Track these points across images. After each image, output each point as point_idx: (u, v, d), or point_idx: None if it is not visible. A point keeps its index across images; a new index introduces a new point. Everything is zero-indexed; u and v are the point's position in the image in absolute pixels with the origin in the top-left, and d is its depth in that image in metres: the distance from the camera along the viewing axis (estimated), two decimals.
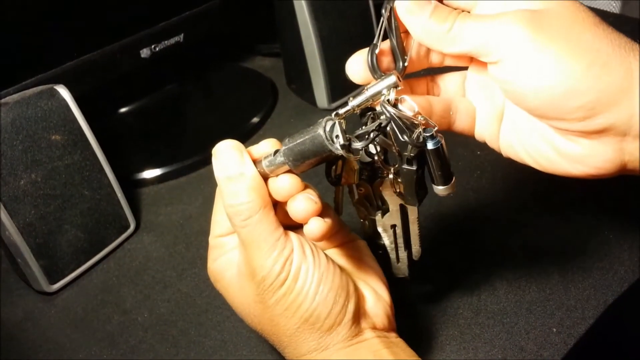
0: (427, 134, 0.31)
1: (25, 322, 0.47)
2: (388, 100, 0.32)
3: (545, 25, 0.28)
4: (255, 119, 0.67)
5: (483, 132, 0.35)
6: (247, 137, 0.66)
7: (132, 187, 0.59)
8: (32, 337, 0.45)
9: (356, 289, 0.35)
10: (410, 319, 0.43)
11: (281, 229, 0.33)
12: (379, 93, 0.32)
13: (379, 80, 0.32)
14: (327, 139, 0.31)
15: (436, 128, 0.31)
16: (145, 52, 0.60)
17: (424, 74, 0.36)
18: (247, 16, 0.74)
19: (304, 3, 0.61)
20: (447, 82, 0.36)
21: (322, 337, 0.33)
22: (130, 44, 0.58)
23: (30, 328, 0.46)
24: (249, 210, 0.32)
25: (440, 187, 0.33)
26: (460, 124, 0.35)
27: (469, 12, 0.31)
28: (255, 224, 0.32)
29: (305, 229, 0.33)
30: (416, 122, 0.31)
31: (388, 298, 0.37)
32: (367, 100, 0.33)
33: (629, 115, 0.27)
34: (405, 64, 0.33)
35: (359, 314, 0.34)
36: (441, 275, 0.46)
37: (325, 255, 0.34)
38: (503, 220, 0.50)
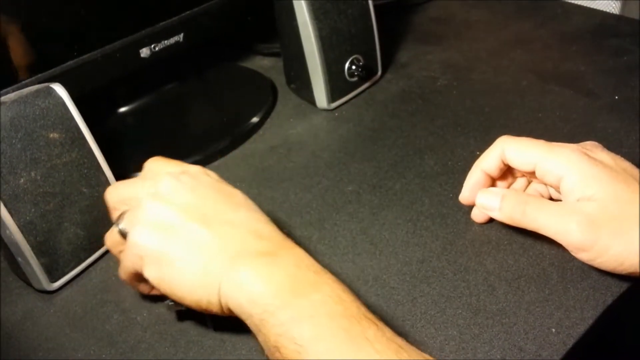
0: None
1: (25, 321, 0.47)
2: None
3: (602, 224, 0.40)
4: (255, 119, 0.67)
5: None
6: (246, 137, 0.66)
7: None
8: (31, 336, 0.45)
9: None
10: (408, 320, 0.43)
11: None
12: None
13: None
14: None
15: None
16: (144, 52, 0.60)
17: None
18: (247, 16, 0.74)
19: (303, 3, 0.61)
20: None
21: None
22: (130, 43, 0.58)
23: (30, 327, 0.46)
24: None
25: None
26: None
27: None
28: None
29: None
30: None
31: None
32: None
33: None
34: None
35: None
36: (439, 276, 0.46)
37: None
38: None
